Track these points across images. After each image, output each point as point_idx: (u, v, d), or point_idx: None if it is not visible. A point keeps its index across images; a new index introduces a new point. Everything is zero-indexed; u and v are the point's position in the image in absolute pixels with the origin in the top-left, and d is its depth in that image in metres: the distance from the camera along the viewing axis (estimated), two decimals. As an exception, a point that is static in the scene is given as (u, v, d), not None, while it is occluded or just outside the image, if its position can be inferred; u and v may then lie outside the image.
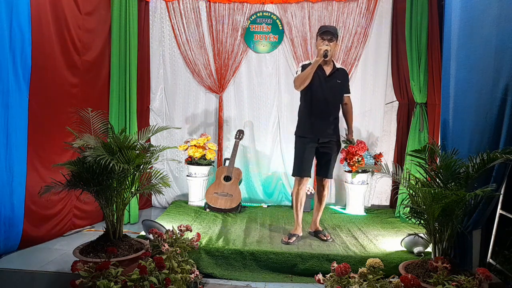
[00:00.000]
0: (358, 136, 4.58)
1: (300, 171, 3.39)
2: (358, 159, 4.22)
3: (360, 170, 4.23)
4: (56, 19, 3.39)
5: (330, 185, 4.71)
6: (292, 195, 3.49)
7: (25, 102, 3.12)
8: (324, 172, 3.47)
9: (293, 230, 3.44)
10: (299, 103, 3.49)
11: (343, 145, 3.89)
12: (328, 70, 3.36)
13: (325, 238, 3.39)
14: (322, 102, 3.31)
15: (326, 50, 3.19)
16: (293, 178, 3.49)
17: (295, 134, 3.48)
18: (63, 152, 3.45)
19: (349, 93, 3.54)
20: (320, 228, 3.58)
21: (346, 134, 3.62)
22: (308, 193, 4.38)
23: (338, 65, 3.42)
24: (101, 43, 3.96)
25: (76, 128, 2.91)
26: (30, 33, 3.10)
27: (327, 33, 3.25)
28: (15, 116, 3.05)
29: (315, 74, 3.27)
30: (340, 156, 4.21)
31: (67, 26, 3.52)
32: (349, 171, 4.31)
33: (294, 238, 3.31)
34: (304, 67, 3.34)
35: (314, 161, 3.61)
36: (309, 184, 4.48)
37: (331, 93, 3.34)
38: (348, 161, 4.26)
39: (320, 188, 3.54)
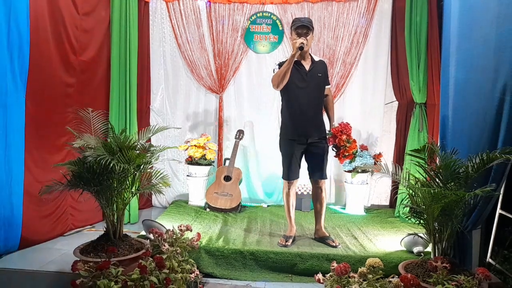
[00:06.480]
0: (358, 136, 4.58)
1: (289, 174, 3.32)
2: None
3: (360, 170, 4.22)
4: (53, 19, 3.38)
5: (329, 186, 4.73)
6: (283, 198, 3.45)
7: (22, 102, 3.12)
8: (318, 174, 3.33)
9: (288, 232, 3.38)
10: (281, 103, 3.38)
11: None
12: (307, 65, 3.25)
13: (334, 245, 3.24)
14: (307, 99, 3.22)
15: (302, 43, 3.05)
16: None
17: (280, 137, 3.37)
18: (56, 151, 3.46)
19: (329, 84, 3.46)
20: (327, 234, 3.39)
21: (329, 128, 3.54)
22: (307, 193, 4.39)
23: (316, 58, 3.33)
24: (98, 43, 3.95)
25: (74, 128, 2.91)
26: (28, 33, 3.10)
27: (303, 27, 3.13)
28: (13, 116, 3.05)
29: (295, 72, 3.18)
30: (332, 153, 4.12)
31: (64, 26, 3.52)
32: (349, 171, 4.31)
33: (290, 240, 3.26)
34: (281, 65, 3.19)
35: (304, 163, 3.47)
36: (309, 185, 4.49)
37: (315, 89, 3.25)
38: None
39: (317, 191, 3.38)
